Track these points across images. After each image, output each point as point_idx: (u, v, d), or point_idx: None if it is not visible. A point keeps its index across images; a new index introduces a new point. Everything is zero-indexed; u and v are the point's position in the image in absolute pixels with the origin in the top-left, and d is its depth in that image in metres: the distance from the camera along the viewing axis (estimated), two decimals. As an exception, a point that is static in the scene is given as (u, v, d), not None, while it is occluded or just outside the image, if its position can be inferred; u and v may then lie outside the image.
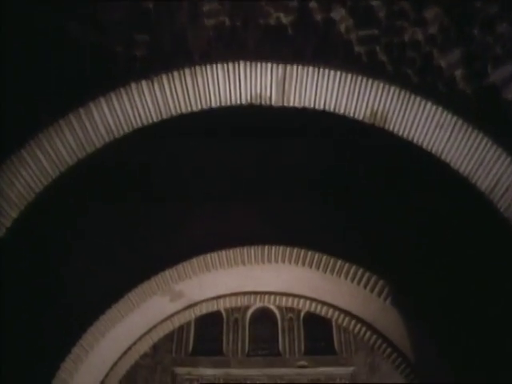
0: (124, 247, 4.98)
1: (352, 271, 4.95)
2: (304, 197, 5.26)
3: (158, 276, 4.95)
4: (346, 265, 5.03)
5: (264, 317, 12.11)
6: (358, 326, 5.95)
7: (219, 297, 6.22)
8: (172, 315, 5.98)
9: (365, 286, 5.05)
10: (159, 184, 5.18)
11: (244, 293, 6.37)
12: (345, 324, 6.16)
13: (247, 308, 11.94)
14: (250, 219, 5.16)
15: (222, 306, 6.36)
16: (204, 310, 6.39)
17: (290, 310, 11.87)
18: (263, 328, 11.96)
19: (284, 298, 6.68)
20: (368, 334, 5.92)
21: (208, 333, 11.95)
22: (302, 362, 11.27)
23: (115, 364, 5.80)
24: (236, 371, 11.22)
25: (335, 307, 6.17)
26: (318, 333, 11.78)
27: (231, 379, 11.16)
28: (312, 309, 6.26)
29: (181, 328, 11.67)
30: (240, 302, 6.41)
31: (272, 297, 6.82)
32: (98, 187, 4.96)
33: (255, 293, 6.49)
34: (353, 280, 5.07)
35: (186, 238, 5.04)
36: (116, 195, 5.03)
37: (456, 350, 4.82)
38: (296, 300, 6.58)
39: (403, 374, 5.91)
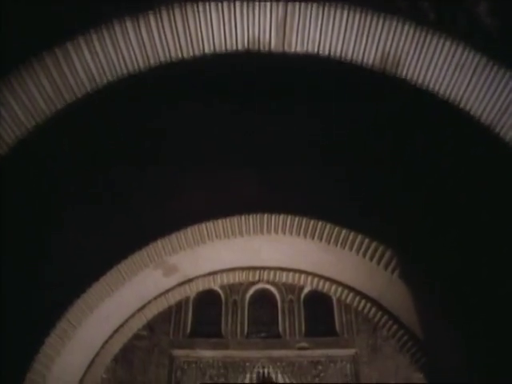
0: (114, 216, 4.64)
1: (357, 242, 4.62)
2: (306, 164, 4.92)
3: (150, 247, 4.61)
4: (351, 234, 4.70)
5: (263, 298, 11.86)
6: (363, 302, 5.66)
7: (215, 272, 5.90)
8: (166, 291, 5.67)
9: (371, 258, 4.73)
10: (151, 148, 4.82)
11: (242, 268, 6.05)
12: (348, 301, 5.89)
13: (246, 289, 11.69)
14: (248, 187, 4.81)
15: (218, 282, 6.05)
16: (200, 286, 6.10)
17: (291, 291, 11.62)
18: (263, 309, 11.71)
19: (284, 274, 6.36)
20: (373, 310, 5.63)
21: (206, 315, 11.70)
22: (303, 344, 11.04)
23: (106, 342, 5.52)
24: (235, 353, 10.99)
25: (338, 283, 5.87)
26: (318, 314, 11.54)
27: (230, 361, 10.94)
28: (314, 285, 5.97)
29: (178, 310, 11.45)
30: (238, 278, 6.10)
31: (272, 272, 6.50)
32: (85, 150, 4.60)
33: (254, 268, 6.16)
34: (358, 251, 4.74)
35: (180, 206, 4.68)
36: (105, 159, 4.67)
37: (469, 327, 4.49)
38: (297, 275, 6.26)
39: (409, 352, 5.65)
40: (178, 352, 11.03)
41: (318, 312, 11.61)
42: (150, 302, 5.77)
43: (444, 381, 5.46)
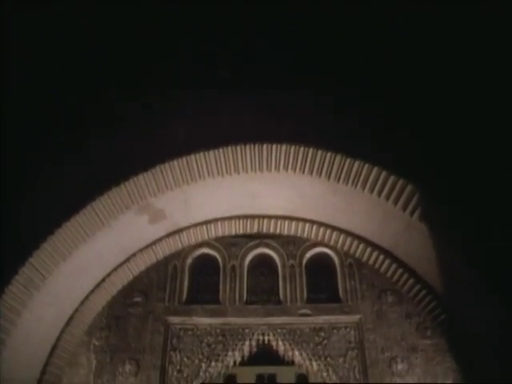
0: (90, 146, 3.94)
1: (371, 178, 3.92)
2: (314, 89, 4.18)
3: (130, 183, 3.93)
4: (365, 169, 3.97)
5: (263, 264, 11.30)
6: (374, 254, 5.03)
7: (209, 222, 5.22)
8: (154, 242, 5.02)
9: (387, 197, 4.03)
10: (137, 71, 4.08)
11: (239, 217, 5.34)
12: (358, 253, 5.28)
13: (245, 254, 11.12)
14: (246, 114, 4.09)
15: (212, 233, 5.38)
16: (192, 237, 5.47)
17: (292, 256, 11.04)
18: (262, 275, 11.17)
19: (286, 223, 5.65)
20: (385, 263, 5.01)
21: (203, 281, 11.17)
22: (305, 311, 10.52)
23: (87, 298, 4.90)
24: (233, 320, 10.49)
25: (346, 232, 5.20)
26: (321, 280, 11.00)
27: (228, 328, 10.45)
28: (319, 237, 5.36)
29: (174, 276, 10.92)
30: (235, 228, 5.42)
31: (272, 222, 5.82)
32: (70, 74, 3.88)
33: (252, 217, 5.46)
34: (372, 190, 4.05)
35: (166, 136, 3.97)
36: (88, 83, 3.95)
37: (496, 279, 3.78)
38: (300, 225, 5.57)
39: (426, 309, 5.06)
40: (173, 319, 10.51)
41: (321, 278, 11.07)
42: (135, 254, 5.13)
43: (465, 340, 4.84)
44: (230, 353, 10.21)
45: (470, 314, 4.63)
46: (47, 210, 3.67)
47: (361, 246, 5.42)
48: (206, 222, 5.45)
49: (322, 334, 10.37)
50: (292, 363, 10.56)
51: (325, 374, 10.06)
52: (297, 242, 11.14)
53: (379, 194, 4.20)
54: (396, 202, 4.18)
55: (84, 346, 10.23)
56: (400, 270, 5.23)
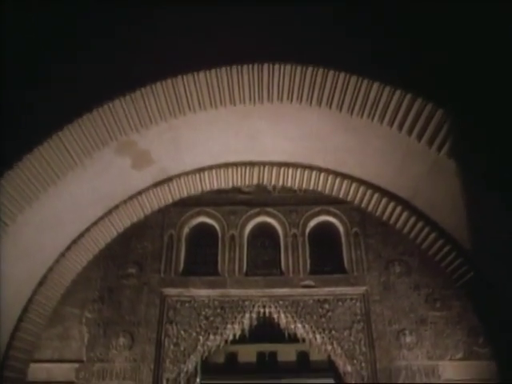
0: (57, 68, 3.30)
1: (392, 105, 3.28)
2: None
3: (105, 109, 3.28)
4: (384, 93, 3.33)
5: (264, 234, 10.77)
6: (391, 205, 4.42)
7: (203, 169, 4.62)
8: (139, 193, 4.43)
9: (409, 131, 3.40)
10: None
11: (236, 164, 4.72)
12: (371, 206, 4.70)
13: (245, 223, 10.56)
14: (245, 28, 3.42)
15: (206, 183, 4.79)
16: (184, 189, 4.85)
17: (294, 224, 10.47)
18: (263, 245, 10.64)
19: (290, 171, 4.98)
20: (403, 216, 4.39)
21: (201, 251, 10.66)
22: (308, 282, 10.00)
23: (63, 255, 4.31)
24: (233, 292, 9.99)
25: (359, 181, 4.57)
26: (325, 250, 10.48)
27: (227, 301, 9.94)
28: (327, 188, 4.75)
29: (170, 246, 10.42)
30: (232, 177, 4.81)
31: (274, 169, 5.14)
32: None
33: (251, 164, 4.81)
34: (392, 122, 3.41)
35: (149, 54, 3.32)
36: None
37: None
38: (306, 173, 4.89)
39: (450, 267, 4.50)
40: (169, 291, 10.02)
41: (325, 248, 10.56)
42: (118, 206, 4.52)
43: (494, 302, 4.26)
44: (229, 326, 9.70)
45: (501, 274, 4.02)
46: (6, 144, 3.06)
47: (375, 197, 4.77)
48: (200, 170, 4.81)
49: (326, 306, 9.86)
50: (294, 336, 10.07)
51: (329, 348, 9.57)
52: (299, 210, 10.57)
53: (400, 127, 3.57)
54: (420, 136, 3.55)
55: (76, 319, 9.74)
56: (420, 223, 4.60)
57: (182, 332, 9.63)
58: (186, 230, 10.59)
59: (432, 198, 4.31)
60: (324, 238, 10.50)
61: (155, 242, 10.33)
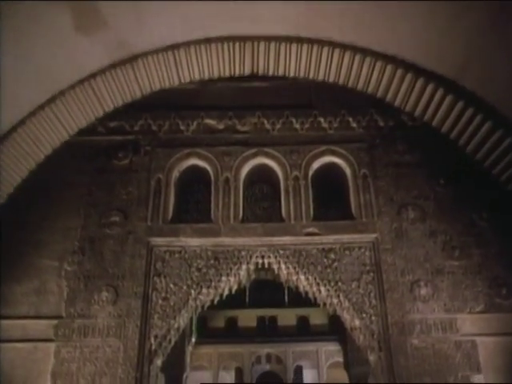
0: None
1: None
2: None
3: None
4: None
5: (262, 177, 9.72)
6: (430, 87, 3.29)
7: (177, 46, 3.48)
8: (93, 75, 3.35)
9: None
10: None
11: (220, 39, 3.52)
12: (401, 93, 3.54)
13: (241, 165, 9.47)
14: None
15: (184, 68, 3.65)
16: (156, 77, 3.82)
17: (296, 166, 9.37)
18: (261, 189, 9.62)
19: (293, 49, 3.74)
20: (447, 100, 3.32)
21: (192, 197, 9.64)
22: (311, 229, 8.99)
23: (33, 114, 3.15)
24: (227, 241, 8.99)
25: (385, 57, 3.43)
26: (330, 194, 9.46)
27: (222, 250, 8.96)
28: (341, 72, 3.60)
29: (157, 192, 9.40)
30: (218, 61, 3.67)
31: (272, 46, 3.92)
32: None
33: (241, 39, 3.58)
34: None
35: None
36: None
37: None
38: (315, 50, 3.67)
39: (505, 159, 3.36)
40: (157, 240, 9.02)
41: (330, 191, 9.56)
42: (63, 92, 3.45)
43: None
44: (223, 278, 8.74)
45: None
46: None
47: (407, 77, 3.56)
48: (173, 48, 3.60)
49: (332, 255, 8.87)
50: (294, 301, 9.09)
51: (335, 301, 8.62)
52: (301, 150, 9.48)
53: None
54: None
55: (54, 272, 8.77)
56: (470, 110, 3.41)
57: (172, 285, 8.67)
58: (175, 173, 9.52)
59: (491, 66, 3.12)
60: (329, 181, 9.45)
61: (141, 187, 9.26)
